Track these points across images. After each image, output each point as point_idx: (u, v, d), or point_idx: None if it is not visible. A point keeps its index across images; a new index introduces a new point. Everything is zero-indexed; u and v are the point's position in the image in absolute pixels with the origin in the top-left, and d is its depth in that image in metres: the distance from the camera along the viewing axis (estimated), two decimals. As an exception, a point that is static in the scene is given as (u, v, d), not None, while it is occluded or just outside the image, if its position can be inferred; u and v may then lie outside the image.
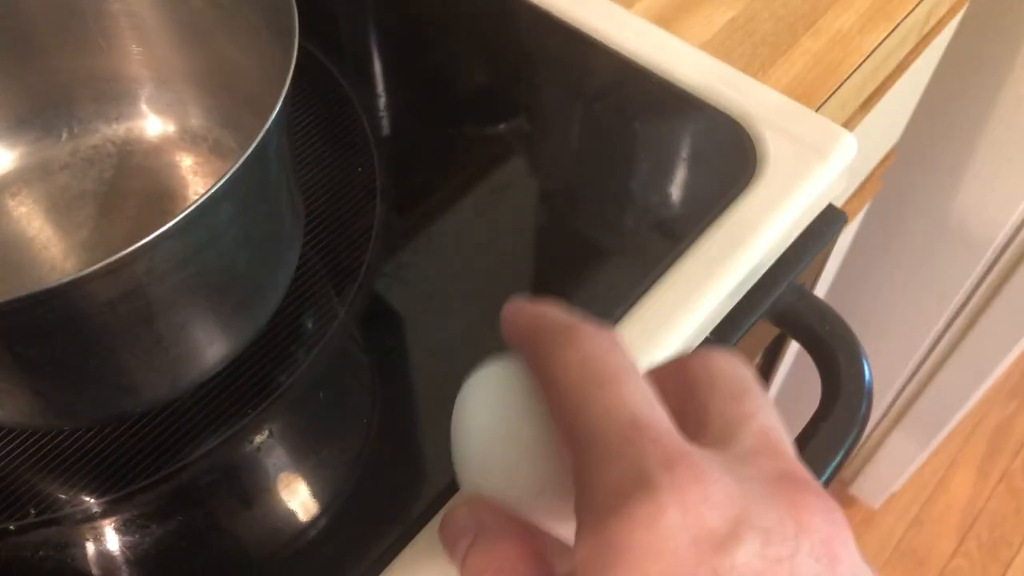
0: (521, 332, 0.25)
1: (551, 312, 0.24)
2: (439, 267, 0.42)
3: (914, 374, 1.21)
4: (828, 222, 0.46)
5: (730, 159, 0.44)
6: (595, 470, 0.20)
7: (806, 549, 0.19)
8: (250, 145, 0.29)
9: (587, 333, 0.23)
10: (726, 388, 0.23)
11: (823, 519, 0.19)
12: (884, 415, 1.30)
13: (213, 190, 0.27)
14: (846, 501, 1.44)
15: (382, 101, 0.48)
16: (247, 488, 0.36)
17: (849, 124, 0.55)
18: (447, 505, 0.35)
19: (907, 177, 0.97)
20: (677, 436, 0.20)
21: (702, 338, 0.42)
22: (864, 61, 0.50)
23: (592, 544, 0.19)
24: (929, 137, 0.93)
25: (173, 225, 0.27)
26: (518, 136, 0.47)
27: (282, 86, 0.30)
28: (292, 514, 0.36)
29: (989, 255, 0.99)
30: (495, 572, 0.23)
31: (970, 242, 0.99)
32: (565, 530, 0.24)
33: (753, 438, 0.21)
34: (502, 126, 0.48)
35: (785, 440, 0.22)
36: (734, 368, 0.24)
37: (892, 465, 1.36)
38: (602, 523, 0.19)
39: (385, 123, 0.47)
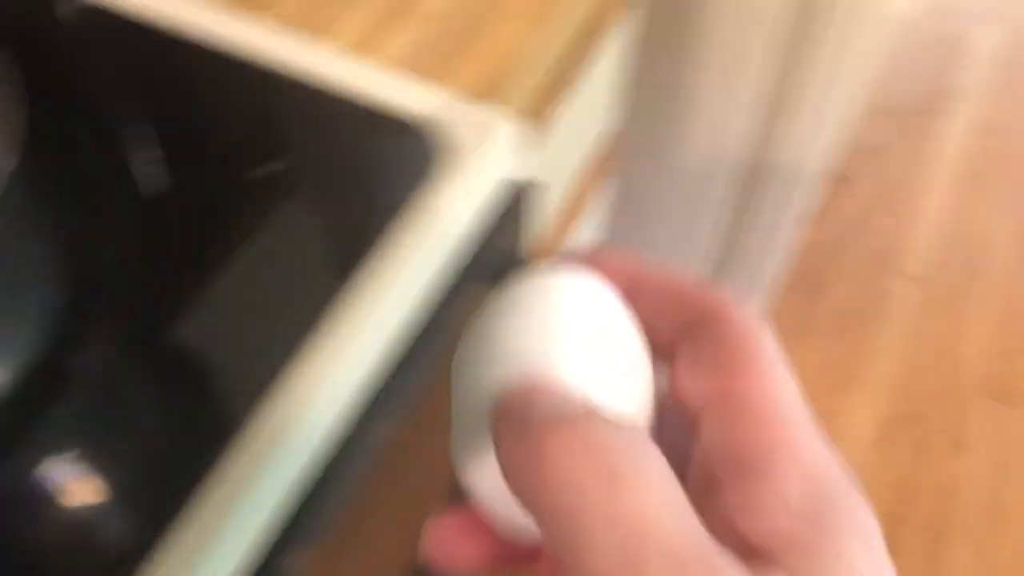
0: None
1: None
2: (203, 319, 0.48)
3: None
4: (514, 194, 0.56)
5: (410, 162, 0.52)
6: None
7: None
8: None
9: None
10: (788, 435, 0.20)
11: None
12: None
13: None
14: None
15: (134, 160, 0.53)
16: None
17: (541, 117, 0.63)
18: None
19: (645, 138, 1.09)
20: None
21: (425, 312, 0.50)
22: (534, 63, 0.59)
23: None
24: (654, 99, 1.05)
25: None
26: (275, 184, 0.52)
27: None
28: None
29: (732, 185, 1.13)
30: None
31: (714, 176, 1.12)
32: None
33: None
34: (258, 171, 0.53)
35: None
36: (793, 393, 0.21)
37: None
38: None
39: (146, 184, 0.52)
